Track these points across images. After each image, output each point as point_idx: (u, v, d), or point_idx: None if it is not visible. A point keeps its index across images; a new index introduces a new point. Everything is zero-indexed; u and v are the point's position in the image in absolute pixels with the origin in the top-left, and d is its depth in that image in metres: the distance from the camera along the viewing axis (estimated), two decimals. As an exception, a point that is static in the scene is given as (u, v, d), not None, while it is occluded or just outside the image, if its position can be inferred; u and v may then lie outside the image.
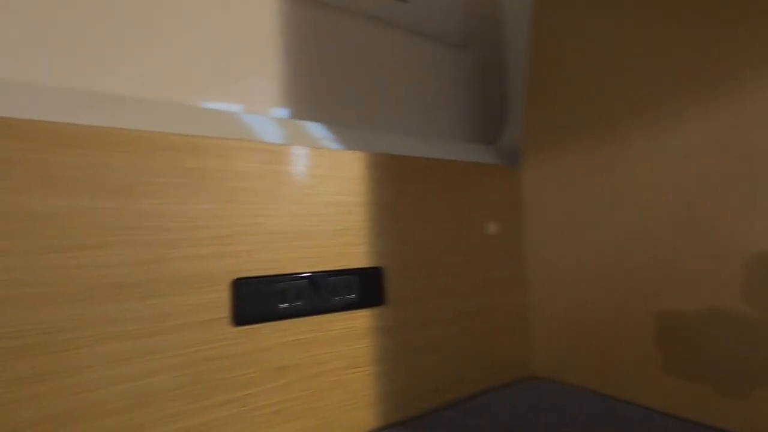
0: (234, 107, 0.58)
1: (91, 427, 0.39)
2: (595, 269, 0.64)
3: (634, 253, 0.59)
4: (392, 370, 0.57)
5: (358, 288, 0.55)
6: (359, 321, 0.55)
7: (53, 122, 0.39)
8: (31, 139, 0.38)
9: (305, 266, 0.52)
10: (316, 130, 0.59)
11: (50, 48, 0.47)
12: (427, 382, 0.60)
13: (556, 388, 0.65)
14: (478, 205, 0.70)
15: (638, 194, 0.58)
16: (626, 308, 0.59)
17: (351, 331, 0.54)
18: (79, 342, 0.39)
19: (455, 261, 0.66)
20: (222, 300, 0.46)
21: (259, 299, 0.48)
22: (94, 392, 0.40)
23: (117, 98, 0.46)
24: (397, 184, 0.61)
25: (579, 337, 0.66)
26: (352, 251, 0.56)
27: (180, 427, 0.43)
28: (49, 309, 0.38)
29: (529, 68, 0.73)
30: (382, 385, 0.56)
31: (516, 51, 0.84)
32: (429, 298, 0.62)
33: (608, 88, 0.62)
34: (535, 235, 0.73)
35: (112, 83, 0.51)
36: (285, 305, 0.49)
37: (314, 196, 0.53)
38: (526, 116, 0.74)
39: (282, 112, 0.62)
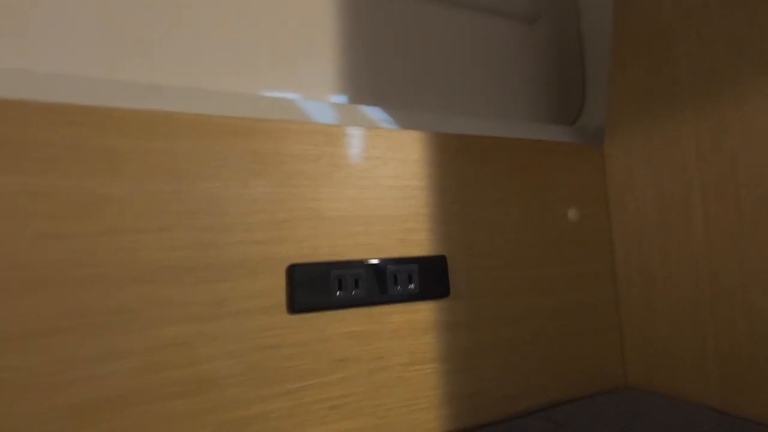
0: (293, 95, 0.57)
1: (154, 410, 0.39)
2: (700, 261, 0.53)
3: (753, 237, 0.47)
4: (459, 371, 0.52)
5: (420, 278, 0.50)
6: (421, 314, 0.51)
7: (118, 108, 0.40)
8: (97, 125, 0.39)
9: (363, 253, 0.49)
10: (373, 112, 0.56)
11: (119, 43, 0.49)
12: (500, 387, 0.54)
13: (654, 400, 0.55)
14: (558, 189, 0.62)
15: (759, 160, 0.47)
16: (741, 308, 0.48)
17: (412, 325, 0.50)
18: (141, 324, 0.40)
19: (533, 252, 0.59)
20: (277, 287, 0.44)
21: (314, 287, 0.45)
22: (156, 375, 0.40)
23: (176, 88, 0.47)
24: (463, 166, 0.55)
25: (680, 341, 0.55)
26: (413, 238, 0.51)
27: (238, 416, 0.42)
28: (112, 290, 0.39)
29: (614, 29, 0.64)
30: (448, 386, 0.51)
31: (592, 20, 0.75)
32: (502, 293, 0.56)
33: (715, 40, 0.51)
34: (625, 223, 0.63)
35: (172, 75, 0.52)
36: (342, 294, 0.46)
37: (372, 179, 0.50)
38: (611, 87, 0.65)
39: (342, 99, 0.60)
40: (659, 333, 0.58)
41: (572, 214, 0.62)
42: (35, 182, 0.37)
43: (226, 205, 0.43)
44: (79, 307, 0.37)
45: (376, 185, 0.50)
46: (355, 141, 0.50)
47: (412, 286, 0.50)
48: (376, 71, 0.63)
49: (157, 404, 0.39)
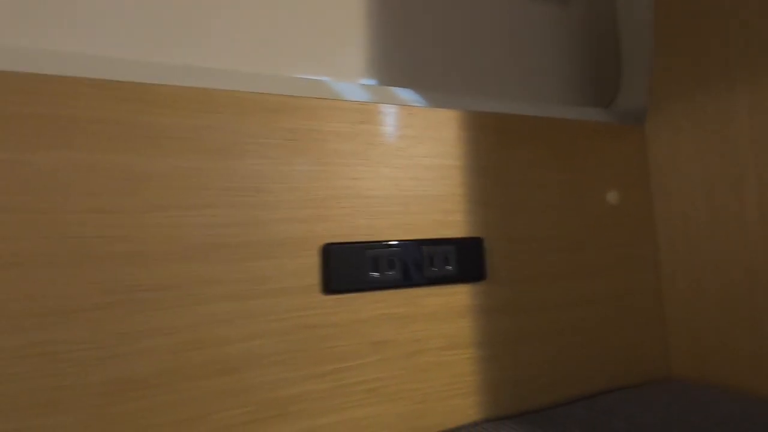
0: (336, 81, 0.57)
1: (199, 386, 0.39)
2: (757, 247, 0.50)
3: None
4: (498, 356, 0.50)
5: (456, 260, 0.49)
6: (458, 297, 0.49)
7: (162, 84, 0.41)
8: (140, 100, 0.40)
9: (400, 234, 0.48)
10: (405, 94, 0.55)
11: (161, 26, 0.50)
12: (540, 375, 0.52)
13: (703, 391, 0.52)
14: (598, 170, 0.59)
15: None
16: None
17: (449, 308, 0.49)
18: (183, 300, 0.40)
19: (573, 236, 0.57)
20: (313, 266, 0.44)
21: (349, 267, 0.45)
22: (200, 351, 0.40)
23: (215, 69, 0.47)
24: (500, 146, 0.54)
25: (732, 332, 0.52)
26: (450, 219, 0.50)
27: (279, 395, 0.42)
28: (156, 266, 0.39)
29: (656, 3, 0.61)
30: (487, 372, 0.50)
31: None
32: (542, 277, 0.54)
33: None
34: (669, 207, 0.60)
35: (207, 59, 0.52)
36: (377, 275, 0.46)
37: (407, 159, 0.49)
38: (656, 61, 0.62)
39: (373, 83, 0.59)
40: (708, 322, 0.55)
41: (612, 196, 0.60)
42: (83, 157, 0.37)
43: (268, 182, 0.43)
44: (124, 282, 0.38)
45: (413, 164, 0.49)
46: (390, 119, 0.49)
47: (449, 267, 0.49)
48: (408, 55, 0.62)
49: (200, 381, 0.39)
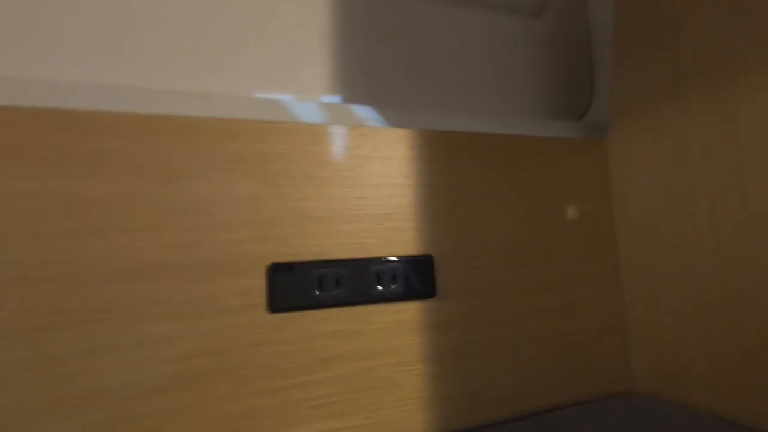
0: (286, 97, 0.58)
1: (140, 405, 0.40)
2: (708, 259, 0.49)
3: (763, 233, 0.44)
4: (449, 372, 0.51)
5: (406, 278, 0.50)
6: (407, 313, 0.50)
7: (103, 111, 0.42)
8: (83, 129, 0.41)
9: (347, 252, 0.49)
10: (363, 111, 0.55)
11: (112, 47, 0.51)
12: (492, 389, 0.53)
13: (659, 407, 0.52)
14: (557, 185, 0.60)
15: (776, 158, 0.44)
16: (753, 309, 0.45)
17: (399, 325, 0.50)
18: (128, 321, 0.41)
19: (531, 250, 0.57)
20: (258, 286, 0.45)
21: (295, 286, 0.46)
22: (140, 371, 0.41)
23: (161, 91, 0.48)
24: (453, 164, 0.54)
25: (688, 345, 0.52)
26: (399, 237, 0.51)
27: (222, 413, 0.43)
28: (98, 288, 0.40)
29: (615, 16, 0.61)
30: (437, 388, 0.50)
31: (600, 11, 0.72)
32: (496, 292, 0.54)
33: (724, 26, 0.48)
34: (629, 218, 0.60)
35: (165, 78, 0.53)
36: (322, 293, 0.47)
37: (356, 178, 0.50)
38: (615, 76, 0.62)
39: (337, 99, 0.60)
40: (666, 336, 0.55)
41: (573, 210, 0.60)
42: (22, 185, 0.39)
43: (211, 205, 0.44)
44: (67, 304, 0.39)
45: (361, 183, 0.50)
46: (339, 139, 0.50)
47: (394, 286, 0.49)
48: (374, 70, 0.63)
49: (142, 399, 0.40)
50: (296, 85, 0.58)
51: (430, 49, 0.67)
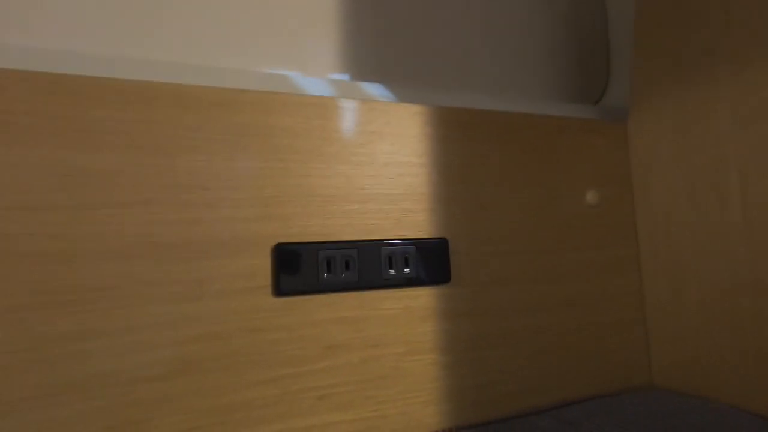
0: (293, 74, 0.55)
1: (134, 391, 0.37)
2: (739, 247, 0.46)
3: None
4: (462, 363, 0.48)
5: (418, 262, 0.47)
6: (419, 300, 0.47)
7: (96, 77, 0.39)
8: (75, 94, 0.38)
9: (356, 234, 0.46)
10: (372, 89, 0.52)
11: (118, 19, 0.48)
12: (508, 382, 0.50)
13: (682, 401, 0.49)
14: (575, 169, 0.57)
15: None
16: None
17: (409, 312, 0.47)
18: (122, 302, 0.38)
19: (548, 237, 0.54)
20: (262, 267, 0.42)
21: (301, 268, 0.43)
22: (137, 355, 0.38)
23: (159, 61, 0.45)
24: (468, 143, 0.51)
25: (714, 337, 0.49)
26: (411, 219, 0.48)
27: (221, 402, 0.40)
28: (93, 266, 0.37)
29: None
30: (449, 379, 0.47)
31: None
32: (511, 280, 0.51)
33: (754, 2, 0.45)
34: (650, 205, 0.57)
35: (170, 52, 0.50)
36: (330, 276, 0.44)
37: (367, 155, 0.47)
38: (635, 55, 0.59)
39: (344, 77, 0.57)
40: (690, 327, 0.52)
41: (591, 195, 0.57)
42: (11, 152, 0.36)
43: (210, 180, 0.41)
44: (56, 283, 0.36)
45: (371, 161, 0.47)
46: (349, 114, 0.47)
47: (408, 270, 0.46)
48: (383, 48, 0.60)
49: (134, 386, 0.37)
50: (302, 62, 0.55)
51: (441, 27, 0.64)
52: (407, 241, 0.47)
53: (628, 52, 0.66)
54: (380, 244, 0.46)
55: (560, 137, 0.57)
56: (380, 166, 0.47)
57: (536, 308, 0.52)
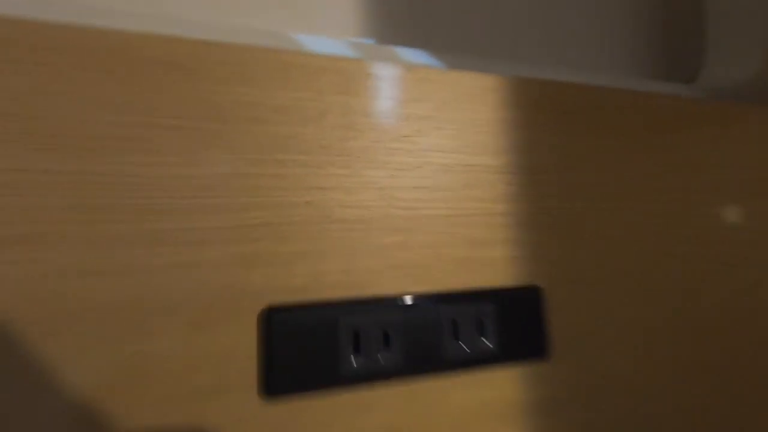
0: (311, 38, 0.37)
1: None
2: None
3: None
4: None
5: (499, 325, 0.29)
6: (504, 389, 0.29)
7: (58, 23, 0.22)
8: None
9: (398, 283, 0.28)
10: (411, 55, 0.35)
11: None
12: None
13: None
14: (709, 171, 0.39)
15: None
16: None
17: (487, 408, 0.29)
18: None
19: (678, 271, 0.36)
20: (242, 348, 0.24)
21: (311, 347, 0.25)
22: None
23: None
24: (563, 134, 0.34)
25: None
26: (485, 257, 0.30)
27: None
28: None
29: None
30: None
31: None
32: (641, 345, 0.33)
33: None
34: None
35: (171, 9, 0.33)
36: (361, 359, 0.26)
37: (412, 155, 0.29)
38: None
39: (369, 42, 0.39)
40: None
41: (733, 210, 0.39)
42: None
43: (154, 193, 0.24)
44: None
45: (421, 164, 0.29)
46: (385, 87, 0.29)
47: (485, 339, 0.28)
48: (420, 5, 0.42)
49: None
50: (317, 23, 0.38)
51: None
52: (480, 293, 0.29)
53: (731, 19, 0.49)
54: (438, 299, 0.28)
55: (680, 126, 0.39)
56: (435, 171, 0.30)
57: (681, 380, 0.34)
